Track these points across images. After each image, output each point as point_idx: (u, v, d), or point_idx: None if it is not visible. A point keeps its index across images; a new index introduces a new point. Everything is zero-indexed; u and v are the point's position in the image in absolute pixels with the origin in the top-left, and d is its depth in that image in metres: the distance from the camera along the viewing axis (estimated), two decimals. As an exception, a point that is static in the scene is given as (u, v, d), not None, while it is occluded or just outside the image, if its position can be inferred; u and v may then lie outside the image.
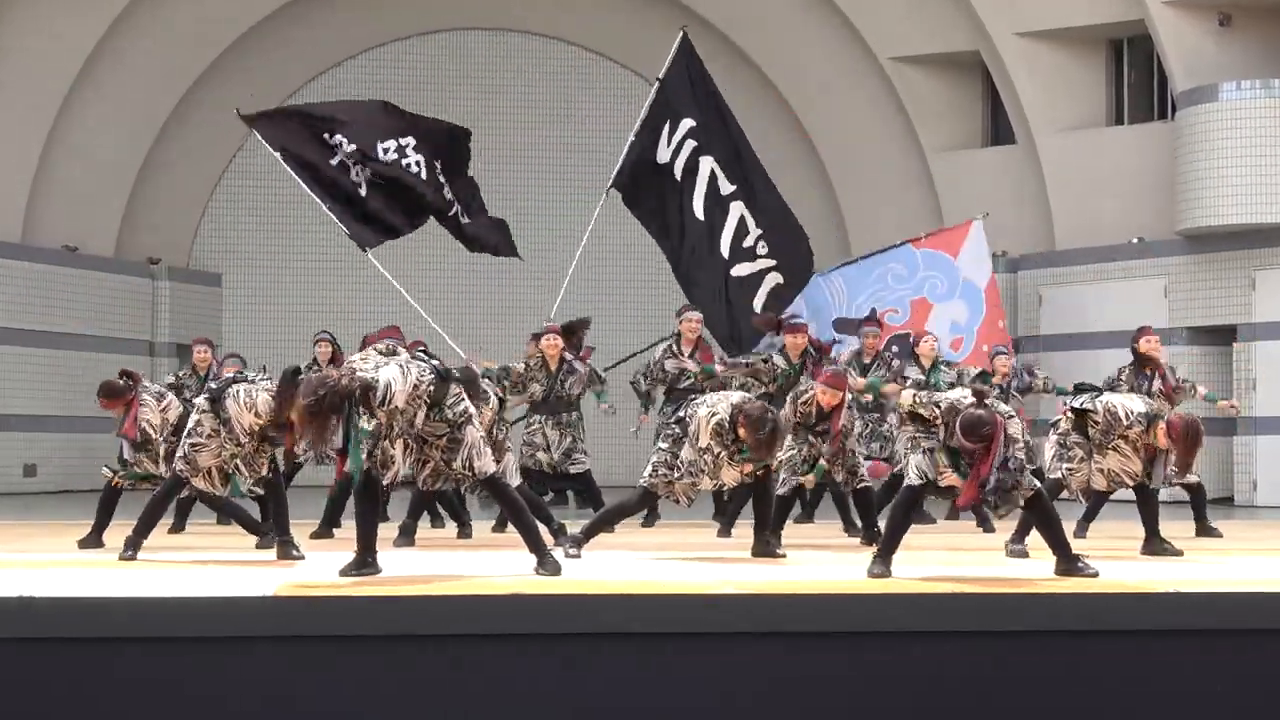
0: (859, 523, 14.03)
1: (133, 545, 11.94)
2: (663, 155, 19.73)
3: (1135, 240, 24.51)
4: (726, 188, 19.55)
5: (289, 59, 28.31)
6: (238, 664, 8.35)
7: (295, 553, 11.89)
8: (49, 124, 25.21)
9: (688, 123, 19.69)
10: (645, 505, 12.52)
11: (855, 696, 8.68)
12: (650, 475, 12.14)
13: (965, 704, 8.71)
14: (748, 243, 19.63)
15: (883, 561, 10.48)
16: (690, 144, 19.67)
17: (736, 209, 19.65)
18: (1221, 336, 23.80)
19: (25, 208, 25.21)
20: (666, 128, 19.71)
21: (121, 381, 13.33)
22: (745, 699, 8.61)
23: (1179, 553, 12.67)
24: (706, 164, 19.59)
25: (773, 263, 19.66)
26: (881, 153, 27.55)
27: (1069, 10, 24.91)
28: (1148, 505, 12.97)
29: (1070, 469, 12.64)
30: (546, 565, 10.28)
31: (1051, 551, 10.50)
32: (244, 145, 28.84)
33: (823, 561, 12.27)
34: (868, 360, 16.87)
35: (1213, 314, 23.68)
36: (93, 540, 13.24)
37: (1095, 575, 10.35)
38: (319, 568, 11.35)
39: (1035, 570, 11.32)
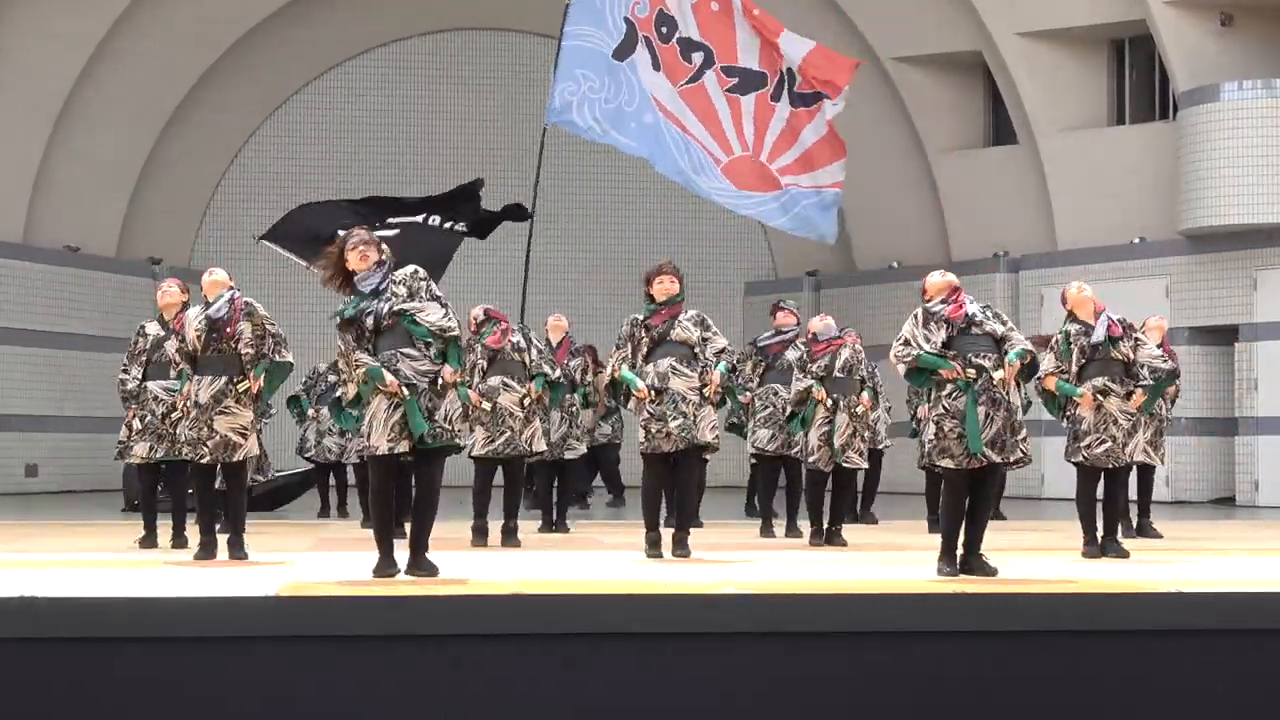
0: (802, 526, 14.66)
1: (206, 547, 11.92)
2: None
3: (1137, 240, 24.51)
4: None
5: (289, 59, 28.33)
6: (238, 664, 8.34)
7: (239, 554, 11.83)
8: (50, 124, 25.22)
9: None
10: (654, 472, 12.42)
11: (855, 696, 8.67)
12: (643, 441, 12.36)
13: (965, 704, 8.71)
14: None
15: (949, 558, 10.67)
16: None
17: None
18: (1223, 336, 23.81)
19: (27, 208, 25.23)
20: None
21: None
22: (745, 699, 8.61)
23: (1126, 554, 12.72)
24: None
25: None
26: (883, 153, 27.55)
27: (1070, 10, 24.91)
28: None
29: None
30: (420, 567, 10.22)
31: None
32: (245, 145, 28.88)
33: (823, 561, 12.28)
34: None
35: (1214, 314, 23.69)
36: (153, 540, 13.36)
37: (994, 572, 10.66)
38: (319, 568, 11.36)
39: (1035, 570, 11.33)
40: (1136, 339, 12.94)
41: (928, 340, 10.68)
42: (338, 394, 10.50)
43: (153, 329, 13.31)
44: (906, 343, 10.71)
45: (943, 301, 10.83)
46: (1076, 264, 24.99)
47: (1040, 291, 25.47)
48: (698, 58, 20.01)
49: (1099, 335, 12.74)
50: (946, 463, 10.63)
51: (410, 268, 10.26)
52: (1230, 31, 23.91)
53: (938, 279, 10.98)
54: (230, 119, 28.16)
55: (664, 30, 20.03)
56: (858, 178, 27.97)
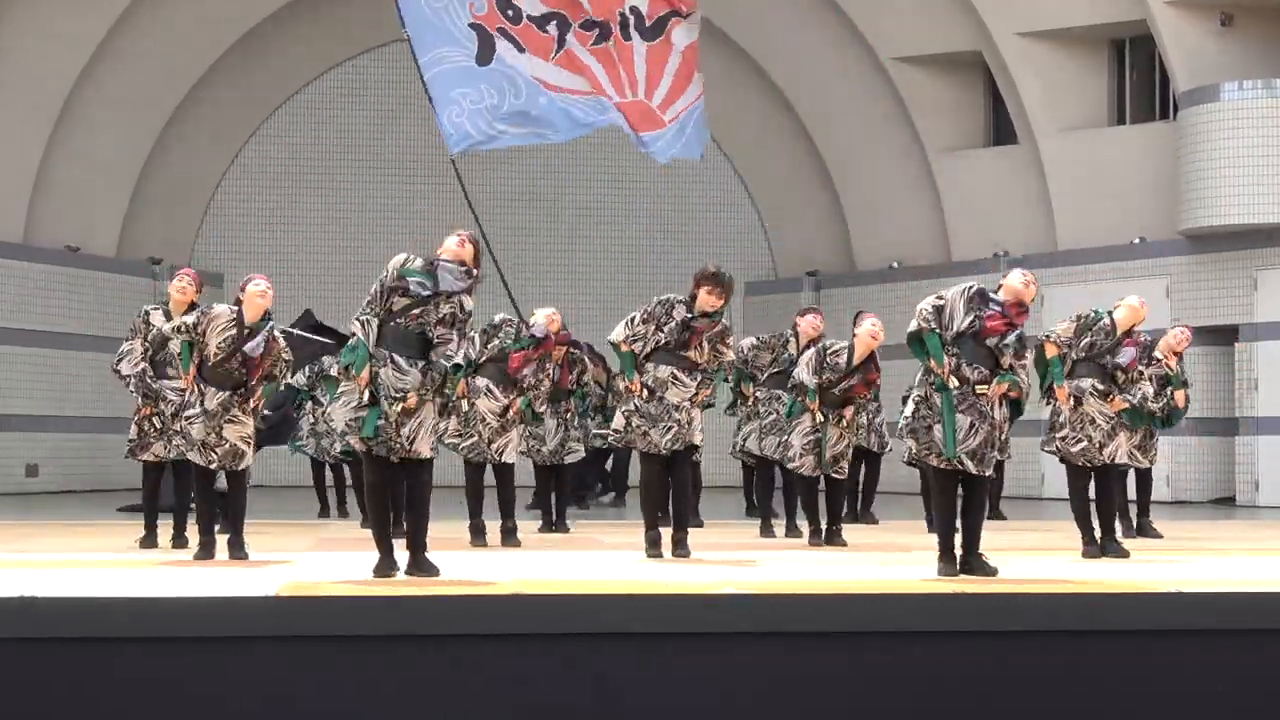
0: (801, 526, 14.56)
1: (206, 546, 11.93)
2: None
3: (1137, 240, 24.51)
4: None
5: (290, 59, 28.32)
6: (238, 664, 8.34)
7: (239, 553, 11.88)
8: (50, 124, 25.21)
9: None
10: (653, 471, 12.41)
11: (855, 696, 8.67)
12: (617, 431, 12.46)
13: (965, 704, 8.71)
14: None
15: (948, 559, 10.69)
16: None
17: None
18: (1223, 336, 23.80)
19: (27, 208, 25.22)
20: None
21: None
22: (745, 699, 8.61)
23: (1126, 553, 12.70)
24: None
25: None
26: (883, 153, 27.55)
27: (1071, 10, 24.91)
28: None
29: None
30: (420, 567, 10.25)
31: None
32: (246, 145, 28.87)
33: (823, 561, 12.27)
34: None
35: (1215, 314, 23.68)
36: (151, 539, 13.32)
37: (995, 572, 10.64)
38: (319, 568, 11.36)
39: (1035, 570, 11.32)
40: (1140, 371, 12.98)
41: (962, 318, 10.61)
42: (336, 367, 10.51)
43: (158, 320, 13.21)
44: (937, 311, 10.63)
45: (999, 304, 10.70)
46: (1076, 264, 25.00)
47: (1041, 291, 25.40)
48: (553, 27, 19.92)
49: (1122, 357, 12.75)
50: (911, 443, 10.71)
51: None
52: (1230, 31, 23.90)
53: (1017, 283, 10.77)
54: (230, 119, 28.15)
55: (510, 14, 19.91)
56: (858, 178, 28.02)
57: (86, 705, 8.28)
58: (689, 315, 12.25)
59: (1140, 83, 25.67)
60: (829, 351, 13.75)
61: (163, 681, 8.32)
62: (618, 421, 12.42)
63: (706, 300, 12.24)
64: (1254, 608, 9.06)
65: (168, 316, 13.09)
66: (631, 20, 19.86)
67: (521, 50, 19.68)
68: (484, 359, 13.87)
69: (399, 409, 10.04)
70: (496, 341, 13.99)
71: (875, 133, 27.55)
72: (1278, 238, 23.11)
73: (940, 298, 10.71)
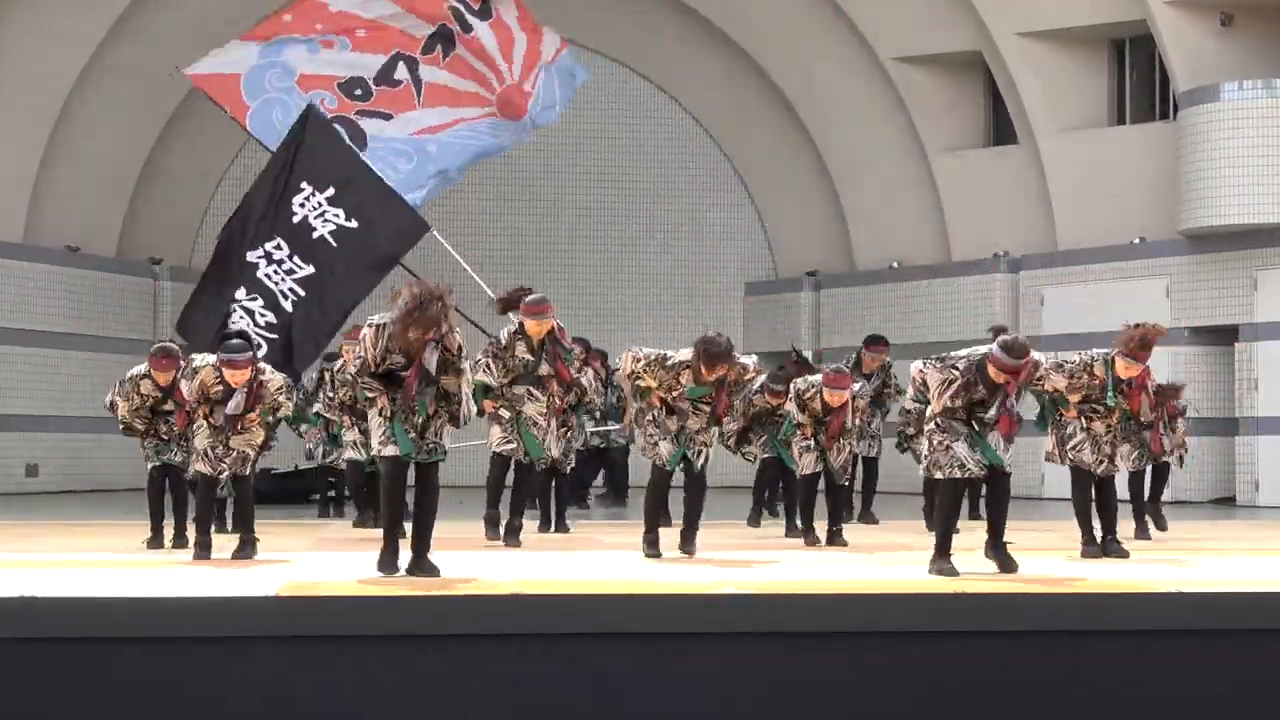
0: (799, 524, 14.52)
1: (203, 546, 11.99)
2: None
3: (1137, 240, 24.51)
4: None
5: (290, 59, 28.27)
6: (238, 664, 8.35)
7: (247, 551, 11.97)
8: (50, 124, 25.20)
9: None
10: (657, 480, 12.48)
11: (855, 696, 8.68)
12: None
13: (965, 704, 8.71)
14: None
15: (943, 558, 10.78)
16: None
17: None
18: (1223, 336, 23.81)
19: (27, 208, 25.21)
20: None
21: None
22: (745, 699, 8.62)
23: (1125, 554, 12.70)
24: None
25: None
26: (883, 152, 27.55)
27: (1071, 10, 24.91)
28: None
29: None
30: (422, 568, 10.30)
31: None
32: (245, 145, 28.85)
33: (823, 561, 12.28)
34: (867, 373, 17.38)
35: (1214, 314, 23.68)
36: (157, 540, 13.30)
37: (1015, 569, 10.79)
38: (319, 568, 11.36)
39: (1035, 570, 11.33)
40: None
41: (954, 398, 10.69)
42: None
43: (147, 388, 13.02)
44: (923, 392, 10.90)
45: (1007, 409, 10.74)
46: (1076, 264, 25.00)
47: (1040, 292, 25.46)
48: (400, 72, 19.87)
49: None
50: (938, 474, 10.85)
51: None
52: (1230, 31, 23.90)
53: (1006, 362, 10.61)
54: (230, 119, 28.12)
55: (359, 93, 19.86)
56: (858, 178, 28.00)
57: (86, 705, 8.29)
58: (693, 390, 12.31)
59: (1140, 83, 25.67)
60: (807, 396, 13.90)
61: (163, 681, 8.33)
62: (637, 435, 12.63)
63: (706, 374, 12.18)
64: (1254, 608, 9.08)
65: (154, 384, 13.00)
66: (462, 9, 19.88)
67: (388, 118, 19.66)
68: (512, 378, 13.82)
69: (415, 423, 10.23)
70: (516, 360, 13.86)
71: (875, 133, 27.54)
72: (1278, 238, 23.11)
73: (923, 383, 10.88)
